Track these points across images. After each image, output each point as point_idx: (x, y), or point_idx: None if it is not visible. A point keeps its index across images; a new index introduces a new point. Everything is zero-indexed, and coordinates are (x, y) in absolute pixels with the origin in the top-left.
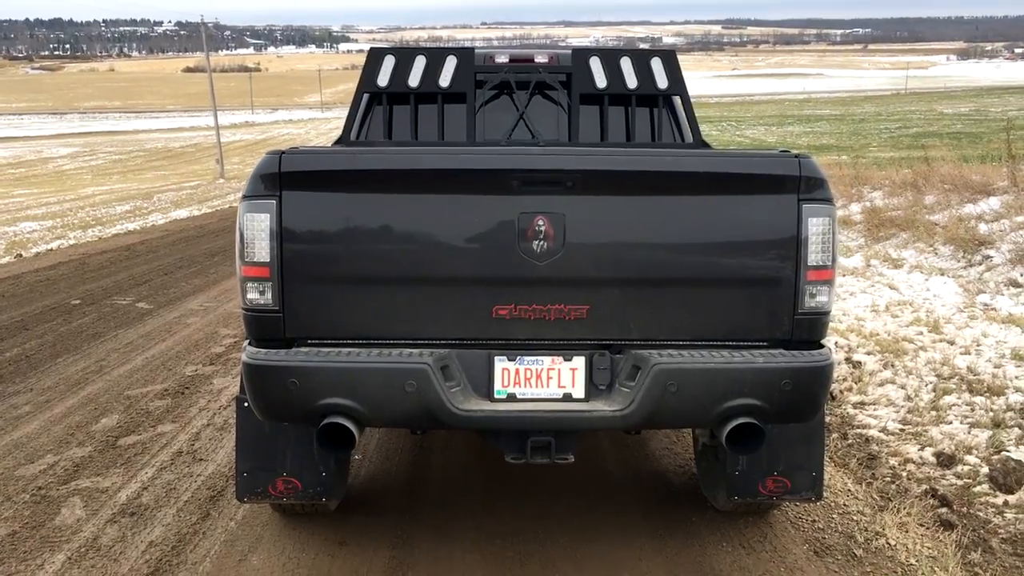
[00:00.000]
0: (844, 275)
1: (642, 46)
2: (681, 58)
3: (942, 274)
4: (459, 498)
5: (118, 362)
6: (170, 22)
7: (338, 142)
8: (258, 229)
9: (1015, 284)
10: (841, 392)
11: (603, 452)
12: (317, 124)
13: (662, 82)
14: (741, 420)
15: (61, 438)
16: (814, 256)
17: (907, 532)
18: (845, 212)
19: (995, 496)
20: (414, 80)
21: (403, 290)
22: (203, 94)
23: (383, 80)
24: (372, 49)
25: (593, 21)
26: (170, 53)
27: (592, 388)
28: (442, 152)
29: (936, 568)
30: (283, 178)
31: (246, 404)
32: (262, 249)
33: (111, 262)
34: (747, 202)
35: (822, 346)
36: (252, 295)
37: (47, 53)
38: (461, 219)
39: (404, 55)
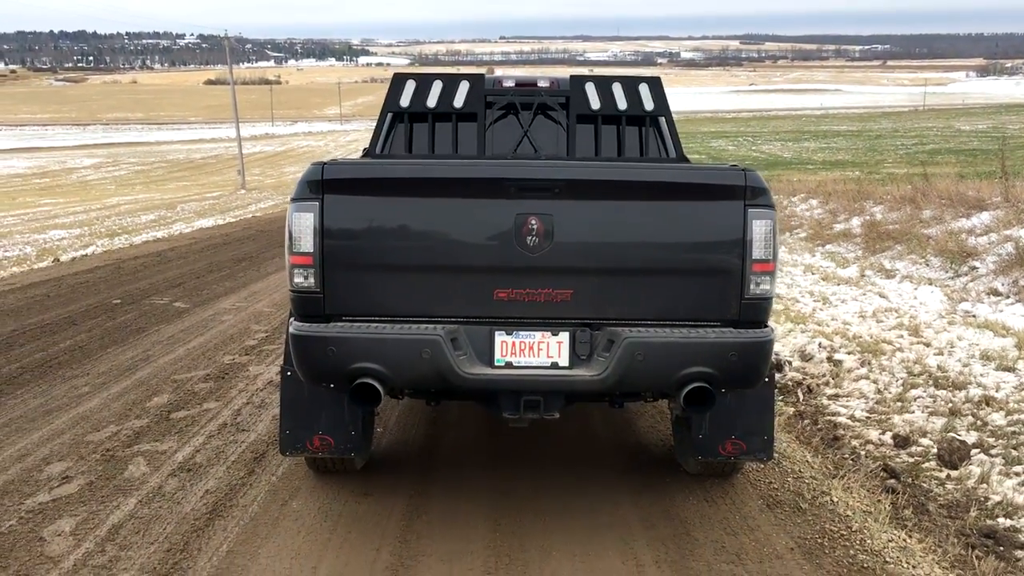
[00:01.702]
0: (838, 284)
1: (660, 61)
2: (699, 73)
3: (930, 284)
4: (466, 462)
5: (162, 352)
6: (192, 35)
7: (366, 155)
8: (304, 226)
9: (995, 293)
10: (818, 386)
11: (594, 428)
12: (336, 136)
13: (648, 105)
14: (696, 384)
15: (120, 412)
16: (758, 251)
17: (851, 493)
18: (846, 226)
19: (940, 471)
20: (432, 101)
21: (420, 276)
22: (224, 106)
23: (405, 101)
24: (396, 74)
25: (611, 36)
26: (192, 66)
27: (575, 357)
28: (453, 164)
29: (868, 520)
30: (324, 184)
31: (289, 373)
32: (307, 242)
33: (144, 267)
34: (703, 207)
35: (765, 326)
36: (298, 279)
37: (71, 65)
38: (468, 219)
39: (423, 80)
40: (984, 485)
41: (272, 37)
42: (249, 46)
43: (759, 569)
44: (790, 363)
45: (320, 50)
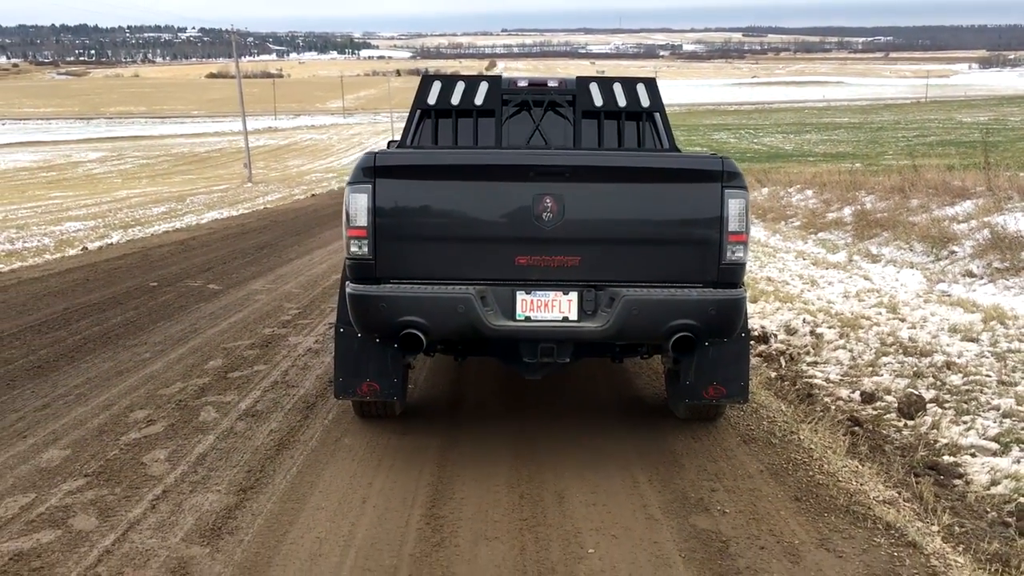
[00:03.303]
0: (827, 268)
1: (662, 54)
2: (701, 65)
3: (912, 267)
4: (488, 411)
5: (208, 326)
6: (194, 28)
7: (399, 146)
8: (359, 205)
9: (971, 274)
10: (799, 354)
11: (597, 385)
12: (339, 130)
13: (645, 102)
14: (682, 333)
15: (183, 372)
16: (733, 225)
17: (816, 434)
18: (838, 215)
19: (899, 421)
20: (455, 99)
21: (454, 246)
22: (226, 100)
23: (432, 99)
24: (424, 76)
25: (613, 28)
26: (193, 59)
27: (582, 312)
28: (482, 152)
29: (828, 452)
30: (376, 171)
31: (342, 330)
32: (362, 218)
33: (171, 254)
34: (688, 188)
35: (739, 287)
36: (354, 249)
37: (73, 59)
38: (494, 198)
39: (448, 81)
40: (935, 431)
41: (274, 30)
42: (251, 39)
43: (733, 485)
44: (776, 336)
45: (322, 43)
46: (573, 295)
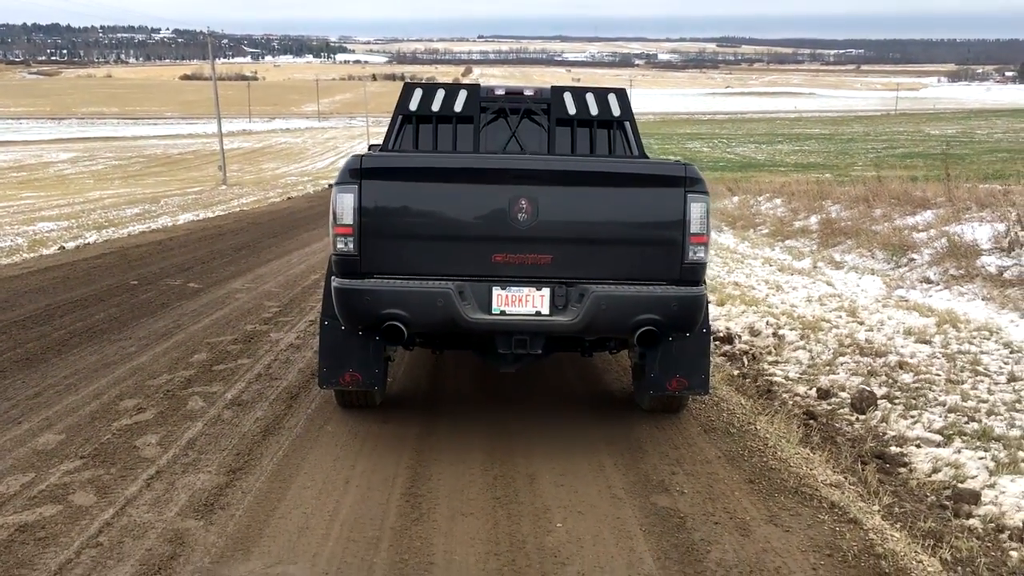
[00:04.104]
0: (792, 274)
1: (637, 63)
2: (675, 75)
3: (872, 273)
4: (464, 402)
5: (191, 322)
6: (168, 29)
7: (381, 150)
8: (346, 204)
9: (928, 281)
10: (762, 354)
11: (569, 380)
12: (314, 134)
13: (616, 111)
14: (646, 327)
15: (169, 365)
16: (695, 227)
17: (772, 425)
18: (805, 223)
19: (851, 415)
20: (436, 106)
21: (435, 243)
22: (200, 102)
23: (413, 106)
24: (406, 84)
25: (589, 36)
26: (167, 60)
27: (554, 307)
28: (462, 156)
29: (783, 441)
30: (362, 172)
31: (326, 323)
32: (348, 216)
33: (149, 254)
34: (653, 192)
35: (700, 284)
36: (340, 245)
37: (44, 58)
38: (472, 199)
39: (429, 88)
40: (884, 424)
41: (249, 33)
42: (225, 41)
43: (692, 469)
44: (740, 336)
45: (297, 47)
46: (545, 291)
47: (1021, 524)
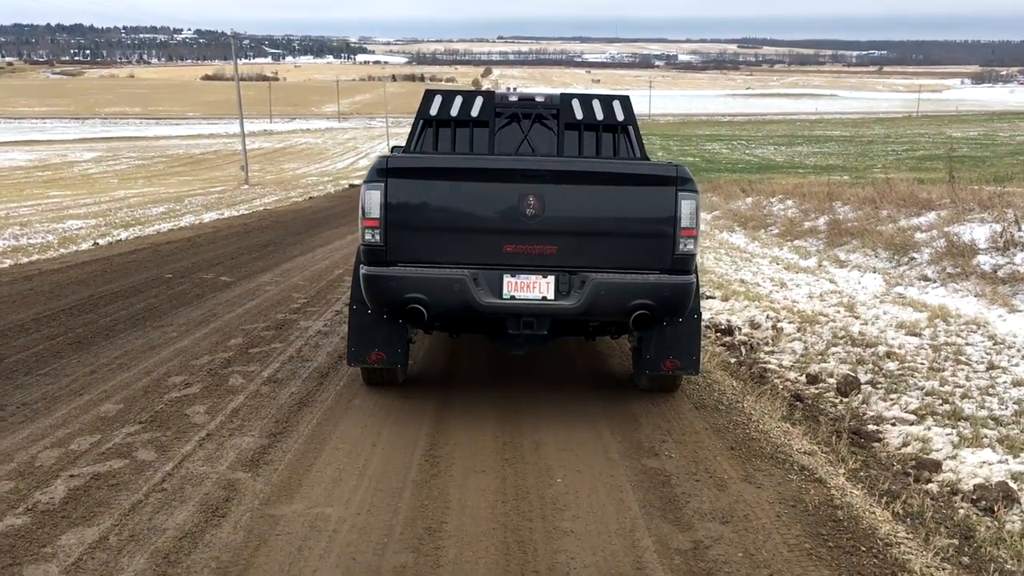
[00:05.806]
0: (798, 272)
1: (657, 64)
2: (696, 76)
3: (874, 272)
4: (477, 381)
5: (225, 311)
6: (190, 30)
7: (404, 152)
8: (373, 200)
9: (926, 279)
10: (759, 345)
11: (573, 362)
12: (334, 134)
13: (620, 116)
14: (641, 311)
15: (209, 348)
16: (685, 222)
17: (759, 404)
18: (814, 223)
19: (836, 398)
20: (454, 111)
21: (452, 235)
22: (222, 102)
23: (433, 111)
24: (427, 91)
25: (609, 37)
26: (189, 61)
27: (558, 293)
28: (478, 158)
29: (766, 417)
30: (388, 171)
31: (354, 307)
32: (375, 211)
33: (180, 250)
34: (648, 190)
35: (690, 273)
36: (368, 237)
37: (68, 59)
38: (486, 196)
39: (448, 95)
40: (864, 406)
41: (270, 33)
42: (247, 42)
43: (680, 438)
44: (740, 329)
45: (318, 47)
46: (551, 278)
47: (973, 488)
